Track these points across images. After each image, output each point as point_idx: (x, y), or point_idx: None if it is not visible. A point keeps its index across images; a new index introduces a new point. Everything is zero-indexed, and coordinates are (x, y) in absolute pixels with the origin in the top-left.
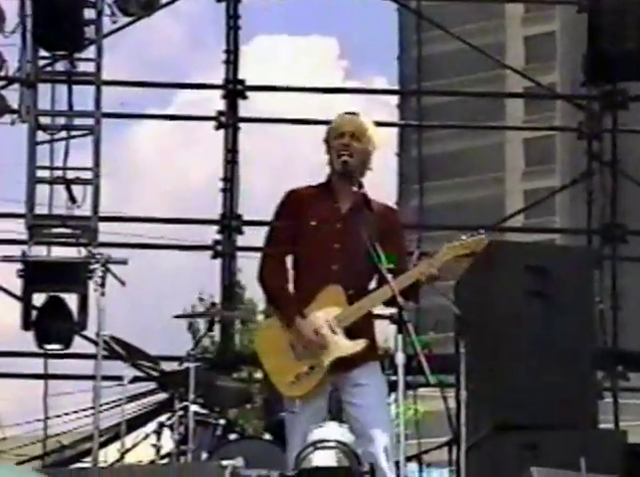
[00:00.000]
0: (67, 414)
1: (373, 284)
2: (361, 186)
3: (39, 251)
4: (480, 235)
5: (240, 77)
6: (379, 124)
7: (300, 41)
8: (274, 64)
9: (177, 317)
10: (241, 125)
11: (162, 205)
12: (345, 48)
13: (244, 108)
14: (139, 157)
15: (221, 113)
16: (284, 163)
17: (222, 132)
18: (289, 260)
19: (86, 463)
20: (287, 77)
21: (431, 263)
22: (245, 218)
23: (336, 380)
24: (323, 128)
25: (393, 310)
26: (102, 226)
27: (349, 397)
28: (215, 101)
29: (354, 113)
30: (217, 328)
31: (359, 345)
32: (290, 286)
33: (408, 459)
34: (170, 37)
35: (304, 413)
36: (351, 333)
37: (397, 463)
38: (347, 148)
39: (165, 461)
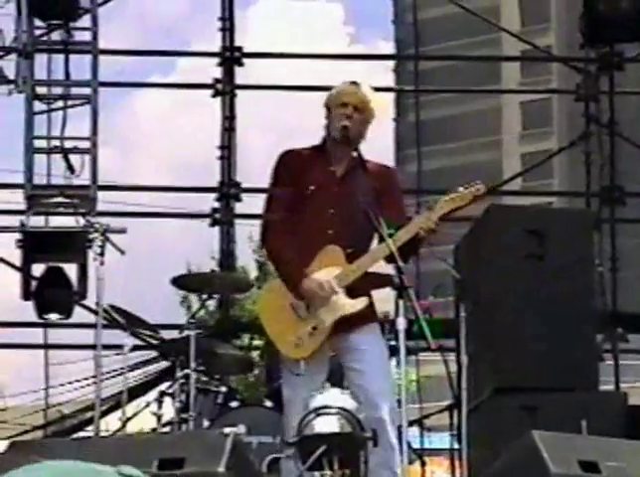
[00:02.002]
0: (69, 384)
1: (374, 245)
2: (357, 151)
3: (37, 222)
4: (477, 184)
5: (244, 42)
6: (376, 89)
7: (306, 6)
8: (279, 29)
9: (174, 282)
10: (242, 93)
11: (164, 173)
12: (349, 13)
13: (248, 76)
14: (141, 125)
15: (217, 81)
16: (285, 130)
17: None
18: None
19: (88, 432)
20: (292, 43)
21: (429, 217)
22: (245, 185)
23: (336, 343)
24: (322, 95)
25: (392, 270)
26: (101, 195)
27: (350, 362)
28: (216, 68)
29: (357, 84)
30: (213, 298)
31: (361, 303)
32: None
33: (410, 424)
34: (174, 2)
35: (305, 377)
36: (350, 293)
37: (398, 428)
38: (348, 119)
39: (166, 429)
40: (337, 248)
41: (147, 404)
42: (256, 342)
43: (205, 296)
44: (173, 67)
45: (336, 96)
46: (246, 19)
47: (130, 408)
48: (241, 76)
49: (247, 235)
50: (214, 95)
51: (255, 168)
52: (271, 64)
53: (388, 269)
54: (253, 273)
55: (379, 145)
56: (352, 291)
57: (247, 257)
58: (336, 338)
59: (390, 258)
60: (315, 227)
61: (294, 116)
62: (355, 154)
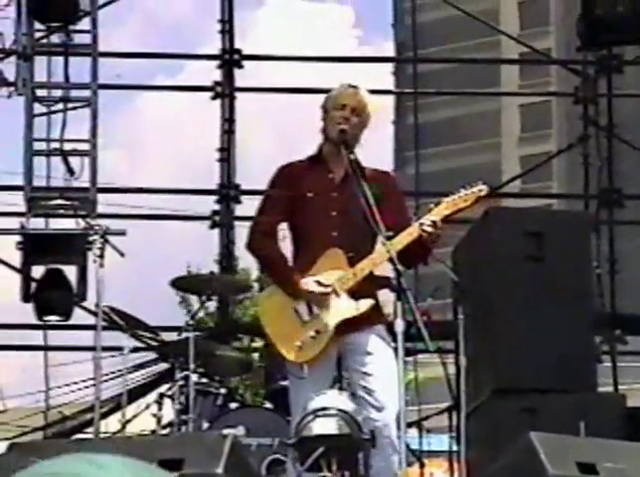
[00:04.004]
0: (69, 385)
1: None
2: (354, 156)
3: (37, 224)
4: (479, 185)
5: (252, 44)
6: (375, 92)
7: (316, 8)
8: (286, 32)
9: (173, 284)
10: (245, 96)
11: (168, 176)
12: (359, 16)
13: (255, 78)
14: (146, 128)
15: (217, 83)
16: (286, 132)
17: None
18: (285, 234)
19: (88, 434)
20: (300, 46)
21: (430, 218)
22: (245, 187)
23: (341, 345)
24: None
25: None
26: (102, 197)
27: (355, 364)
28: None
29: (356, 86)
30: (211, 300)
31: (364, 305)
32: (285, 253)
33: (409, 425)
34: (183, 4)
35: (310, 380)
36: (354, 296)
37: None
38: (347, 121)
39: (166, 431)
40: (339, 252)
41: (147, 406)
42: (256, 344)
43: (204, 298)
44: (181, 69)
45: (334, 99)
46: (256, 20)
47: (130, 410)
48: (246, 78)
49: None
50: (213, 98)
51: (256, 171)
52: (277, 67)
53: (391, 272)
54: (255, 275)
55: (378, 148)
56: (355, 294)
57: (250, 259)
58: (341, 340)
59: (391, 262)
60: (318, 230)
61: (297, 120)
62: (352, 157)
